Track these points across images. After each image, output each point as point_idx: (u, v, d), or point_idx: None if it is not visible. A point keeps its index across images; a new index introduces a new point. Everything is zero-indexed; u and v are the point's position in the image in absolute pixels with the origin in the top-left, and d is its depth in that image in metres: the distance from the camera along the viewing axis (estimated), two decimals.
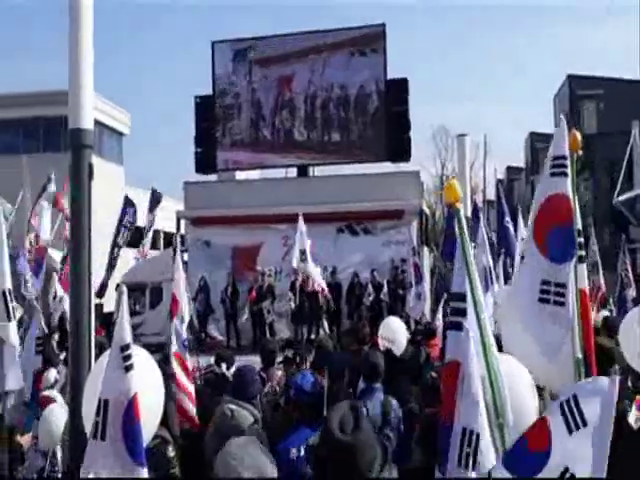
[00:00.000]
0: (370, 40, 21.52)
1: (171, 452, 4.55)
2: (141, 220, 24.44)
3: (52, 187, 17.81)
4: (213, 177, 23.88)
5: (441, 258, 16.72)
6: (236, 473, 3.16)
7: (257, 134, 22.35)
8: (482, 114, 72.86)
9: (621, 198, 24.01)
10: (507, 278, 10.72)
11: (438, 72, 76.96)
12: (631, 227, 26.24)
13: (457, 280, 3.25)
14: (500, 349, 3.65)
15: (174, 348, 6.42)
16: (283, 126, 22.16)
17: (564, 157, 3.78)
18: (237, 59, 22.39)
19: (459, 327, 3.13)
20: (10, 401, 5.31)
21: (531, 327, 3.70)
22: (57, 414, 5.15)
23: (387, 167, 22.61)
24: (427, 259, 19.74)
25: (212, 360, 8.13)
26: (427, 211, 22.74)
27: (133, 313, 18.28)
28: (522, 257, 3.73)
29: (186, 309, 7.85)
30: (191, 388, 6.07)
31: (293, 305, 17.45)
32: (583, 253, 3.95)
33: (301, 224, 13.98)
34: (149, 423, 3.44)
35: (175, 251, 20.20)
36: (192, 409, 5.89)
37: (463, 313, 3.15)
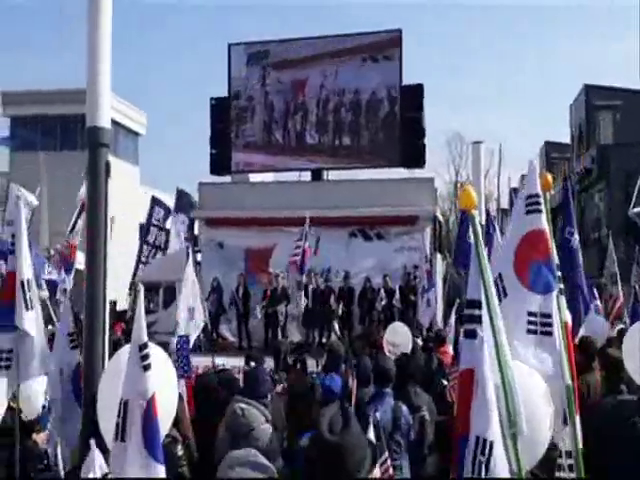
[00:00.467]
0: (385, 46, 21.63)
1: (180, 451, 4.60)
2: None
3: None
4: (227, 179, 23.96)
5: (453, 266, 16.68)
6: None
7: (270, 137, 22.51)
8: (497, 122, 72.68)
9: (636, 210, 23.84)
10: None
11: (453, 78, 76.72)
12: None
13: (472, 287, 3.23)
14: None
15: None
16: (295, 129, 22.31)
17: (537, 195, 3.92)
18: (252, 62, 22.59)
19: (473, 335, 3.11)
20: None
21: (523, 358, 3.70)
22: (39, 382, 5.17)
23: (401, 173, 22.65)
24: (440, 266, 19.68)
25: (222, 360, 8.20)
26: (441, 218, 22.69)
27: (146, 312, 18.24)
28: (505, 294, 3.74)
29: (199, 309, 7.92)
30: None
31: (303, 307, 17.48)
32: (562, 286, 4.06)
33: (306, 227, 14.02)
34: (164, 422, 3.43)
35: (188, 251, 20.35)
36: None
37: (478, 320, 3.13)
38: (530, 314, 3.77)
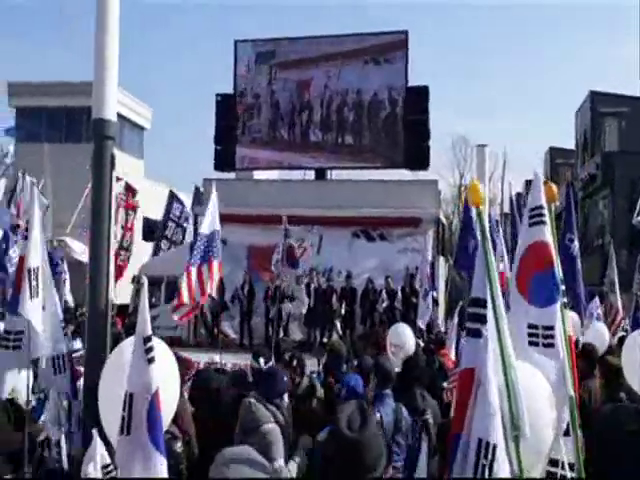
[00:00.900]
0: (390, 48, 21.75)
1: (179, 448, 4.57)
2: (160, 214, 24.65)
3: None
4: (231, 175, 23.96)
5: (454, 268, 16.66)
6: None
7: (275, 133, 22.67)
8: (502, 126, 72.62)
9: None
10: None
11: (459, 81, 76.68)
12: None
13: (477, 285, 3.18)
14: None
15: None
16: (300, 127, 22.49)
17: (541, 207, 3.89)
18: (259, 61, 22.77)
19: (477, 334, 3.06)
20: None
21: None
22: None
23: (404, 174, 22.66)
24: (442, 268, 19.68)
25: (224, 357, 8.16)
26: (444, 220, 22.69)
27: (149, 306, 18.22)
28: (508, 307, 3.72)
29: None
30: None
31: (306, 306, 17.49)
32: (566, 300, 4.03)
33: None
34: (166, 416, 3.44)
35: (192, 246, 20.36)
36: None
37: (482, 319, 3.08)
38: (531, 326, 3.73)
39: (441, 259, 20.05)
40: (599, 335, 9.16)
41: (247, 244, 20.36)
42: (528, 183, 49.48)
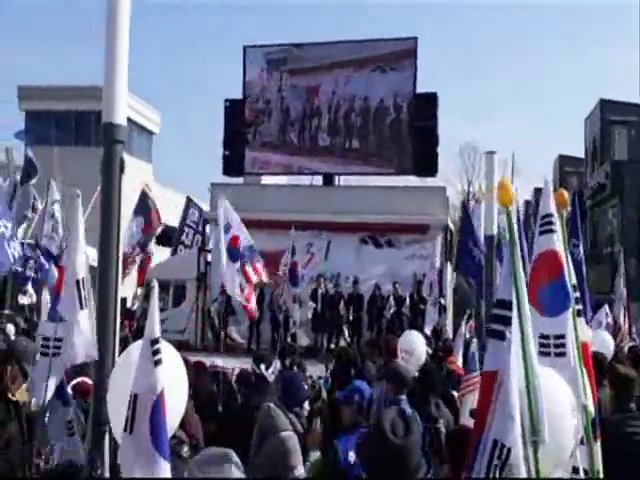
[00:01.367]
0: (399, 55, 21.91)
1: (185, 453, 4.53)
2: (173, 220, 24.69)
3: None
4: (239, 180, 24.02)
5: (460, 274, 16.62)
6: None
7: (285, 137, 22.87)
8: (511, 134, 72.48)
9: None
10: None
11: (459, 82, 76.54)
12: None
13: (502, 287, 3.16)
14: None
15: None
16: (309, 132, 22.72)
17: (551, 215, 3.85)
18: (270, 68, 23.04)
19: (501, 336, 3.02)
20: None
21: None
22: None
23: (412, 181, 22.67)
24: (450, 275, 19.63)
25: (231, 361, 8.18)
26: (452, 227, 22.63)
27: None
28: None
29: None
30: None
31: (311, 314, 17.45)
32: (580, 307, 4.00)
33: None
34: (172, 419, 3.42)
35: (200, 251, 20.42)
36: None
37: (507, 322, 3.04)
38: (542, 337, 3.68)
39: (449, 266, 19.98)
40: (604, 344, 9.05)
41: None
42: (537, 191, 49.48)
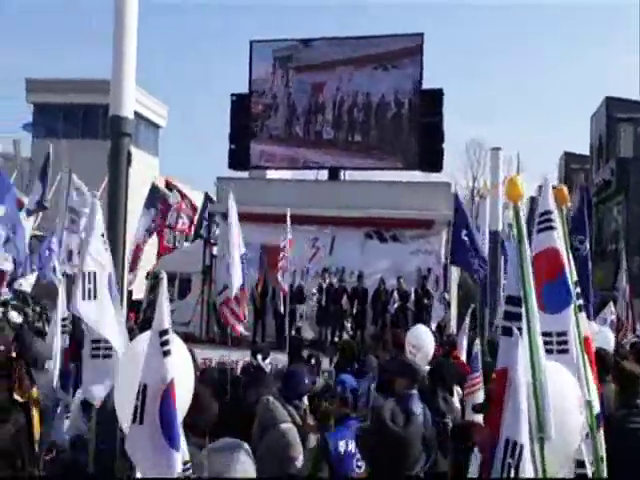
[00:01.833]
0: (405, 52, 21.94)
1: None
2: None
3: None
4: (245, 174, 24.06)
5: (458, 268, 16.61)
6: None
7: (291, 131, 23.03)
8: (516, 132, 72.24)
9: None
10: None
11: (467, 88, 76.42)
12: None
13: (511, 283, 3.18)
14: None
15: None
16: (315, 126, 22.86)
17: (549, 212, 3.83)
18: (277, 64, 23.18)
19: (510, 333, 3.04)
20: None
21: None
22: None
23: (417, 176, 22.67)
24: (455, 271, 19.64)
25: (236, 354, 8.25)
26: None
27: None
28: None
29: None
30: None
31: (316, 307, 17.50)
32: (581, 302, 4.01)
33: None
34: (181, 409, 3.40)
35: (206, 244, 20.48)
36: None
37: (515, 317, 3.07)
38: (545, 334, 3.62)
39: None
40: (605, 340, 9.05)
41: (261, 243, 20.39)
42: (542, 188, 49.36)
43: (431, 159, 21.31)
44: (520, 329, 3.05)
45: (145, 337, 3.61)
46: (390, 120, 22.01)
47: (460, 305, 19.97)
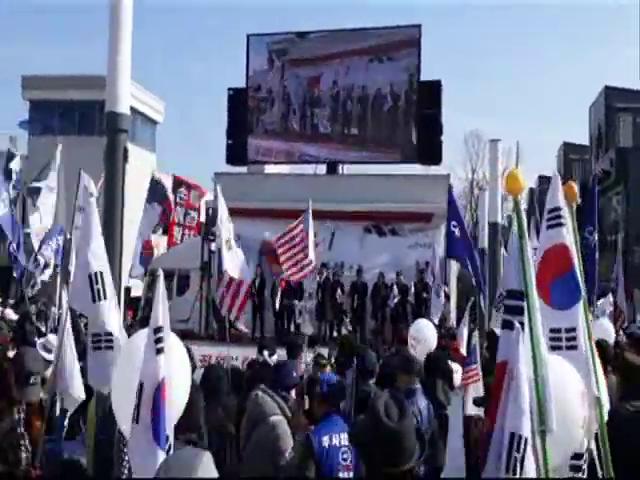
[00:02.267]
0: (402, 44, 21.89)
1: (194, 442, 4.47)
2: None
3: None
4: (243, 169, 24.02)
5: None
6: None
7: (287, 125, 22.99)
8: (515, 122, 72.17)
9: None
10: None
11: (467, 88, 76.32)
12: None
13: (512, 277, 3.18)
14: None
15: None
16: (311, 120, 22.83)
17: (559, 208, 3.83)
18: (272, 58, 23.13)
19: (510, 326, 3.05)
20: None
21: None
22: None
23: (415, 169, 22.64)
24: (455, 264, 19.61)
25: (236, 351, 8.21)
26: None
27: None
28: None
29: None
30: None
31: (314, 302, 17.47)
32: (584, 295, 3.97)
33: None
34: (176, 409, 3.39)
35: (204, 240, 20.42)
36: None
37: (516, 311, 3.07)
38: (553, 331, 3.68)
39: None
40: (606, 332, 8.99)
41: (259, 238, 20.35)
42: (541, 178, 49.40)
43: (430, 151, 21.28)
44: (522, 323, 3.03)
45: (141, 335, 3.57)
46: (387, 112, 22.03)
47: (460, 298, 19.96)
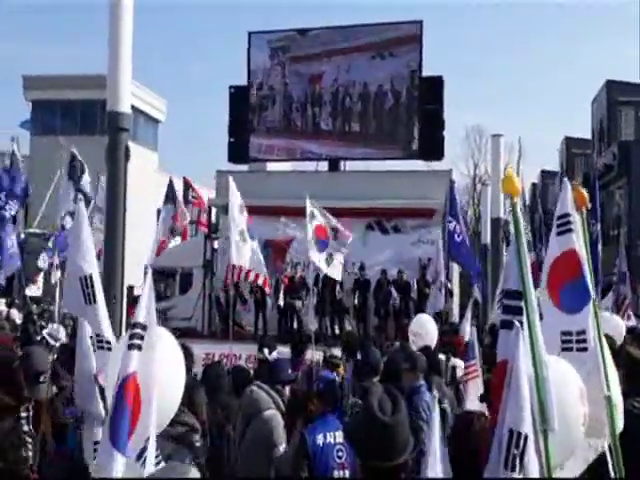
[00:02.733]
0: (404, 40, 21.85)
1: (197, 441, 4.33)
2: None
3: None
4: (244, 167, 24.02)
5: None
6: None
7: (288, 122, 22.96)
8: (517, 117, 72.09)
9: None
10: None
11: (467, 87, 76.19)
12: None
13: (511, 277, 3.19)
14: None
15: None
16: (313, 117, 22.80)
17: (568, 215, 3.85)
18: (274, 55, 23.11)
19: (510, 326, 3.06)
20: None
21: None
22: None
23: (418, 165, 22.61)
24: None
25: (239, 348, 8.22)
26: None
27: (164, 297, 18.44)
28: (541, 316, 3.68)
29: None
30: None
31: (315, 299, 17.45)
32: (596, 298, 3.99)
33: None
34: (165, 408, 3.25)
35: (206, 238, 20.45)
36: None
37: (515, 311, 3.09)
38: (564, 333, 3.72)
39: None
40: (617, 329, 8.88)
41: (262, 236, 20.34)
42: (544, 173, 49.34)
43: (432, 147, 21.24)
44: (521, 322, 3.05)
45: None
46: (389, 109, 22.00)
47: (462, 294, 19.96)
